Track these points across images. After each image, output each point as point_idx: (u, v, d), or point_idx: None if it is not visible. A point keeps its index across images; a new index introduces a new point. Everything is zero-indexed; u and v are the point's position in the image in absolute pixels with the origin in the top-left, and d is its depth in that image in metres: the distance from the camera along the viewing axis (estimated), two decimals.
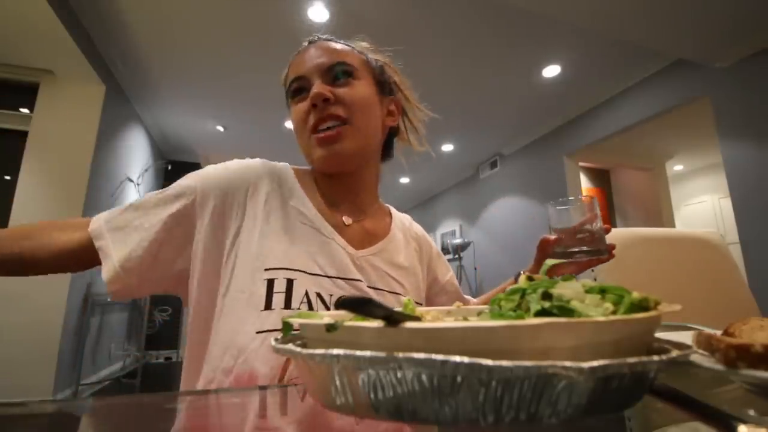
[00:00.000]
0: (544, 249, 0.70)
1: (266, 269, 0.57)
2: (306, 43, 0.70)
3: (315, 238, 0.63)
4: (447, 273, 0.84)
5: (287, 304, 0.55)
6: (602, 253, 0.63)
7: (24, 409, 0.33)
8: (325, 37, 0.70)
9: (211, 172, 0.63)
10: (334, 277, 0.61)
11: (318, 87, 0.62)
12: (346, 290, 0.61)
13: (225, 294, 0.57)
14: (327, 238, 0.64)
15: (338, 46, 0.68)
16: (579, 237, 0.63)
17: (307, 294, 0.57)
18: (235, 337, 0.54)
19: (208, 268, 0.59)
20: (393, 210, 0.82)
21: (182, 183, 0.62)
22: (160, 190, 0.61)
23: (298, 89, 0.66)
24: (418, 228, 0.83)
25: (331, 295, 0.59)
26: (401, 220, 0.81)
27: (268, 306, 0.55)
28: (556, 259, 0.62)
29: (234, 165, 0.65)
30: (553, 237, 0.66)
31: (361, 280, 0.63)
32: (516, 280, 0.76)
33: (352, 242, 0.66)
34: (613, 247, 0.65)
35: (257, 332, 0.53)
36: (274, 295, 0.55)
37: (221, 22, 2.78)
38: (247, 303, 0.55)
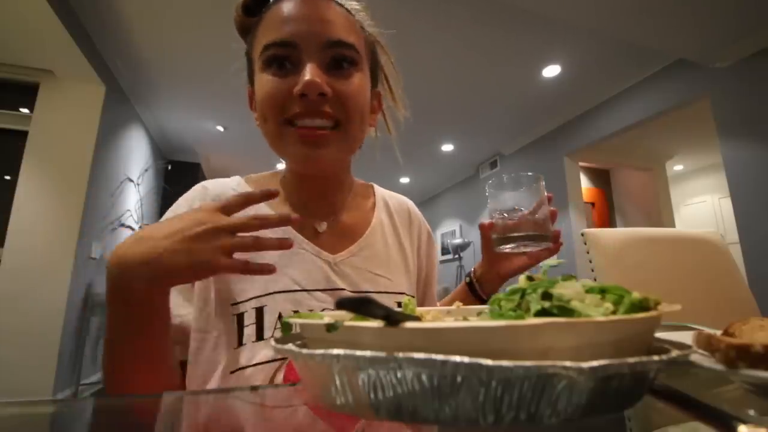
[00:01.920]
0: (484, 235, 0.62)
1: (233, 304, 0.53)
2: None
3: (285, 251, 0.56)
4: (432, 268, 0.76)
5: (259, 336, 0.51)
6: (545, 239, 0.54)
7: (24, 409, 0.33)
8: None
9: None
10: (312, 290, 0.56)
11: (314, 73, 0.49)
12: (326, 302, 0.56)
13: (196, 331, 0.54)
14: (297, 248, 0.58)
15: (340, 12, 0.55)
16: (516, 221, 0.53)
17: (281, 317, 0.52)
18: (207, 381, 0.51)
19: (188, 309, 0.56)
20: (376, 188, 0.74)
21: None
22: None
23: (278, 57, 0.51)
24: (408, 204, 0.76)
25: (310, 310, 0.54)
26: (385, 198, 0.73)
27: (240, 342, 0.51)
28: (498, 247, 0.55)
29: (182, 210, 0.58)
30: (487, 221, 0.57)
31: (342, 289, 0.58)
32: (468, 281, 0.71)
33: (327, 246, 0.60)
34: (558, 234, 0.57)
35: (231, 372, 0.50)
36: (245, 329, 0.52)
37: (221, 21, 2.77)
38: (216, 344, 0.52)
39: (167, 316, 0.46)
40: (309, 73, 0.49)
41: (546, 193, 0.55)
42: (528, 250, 0.55)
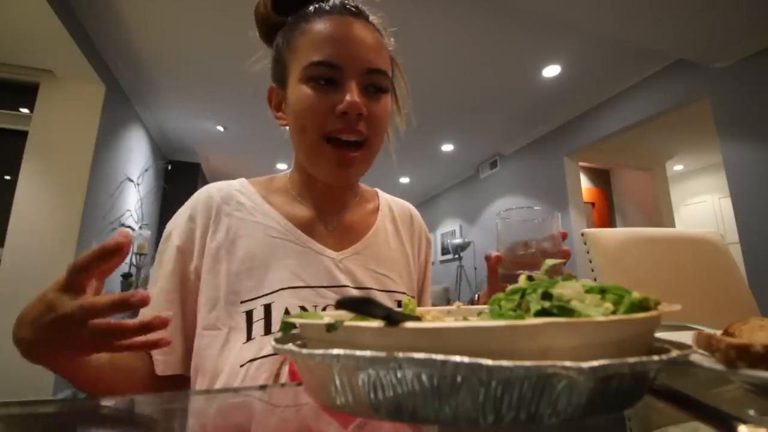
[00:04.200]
0: (490, 267, 0.58)
1: (242, 302, 0.56)
2: (337, 5, 0.59)
3: (290, 249, 0.60)
4: (427, 275, 0.78)
5: (267, 330, 0.54)
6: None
7: (24, 409, 0.33)
8: (364, 10, 0.61)
9: (175, 225, 0.61)
10: (317, 287, 0.58)
11: (357, 95, 0.55)
12: (331, 299, 0.58)
13: (205, 329, 0.56)
14: (303, 247, 0.61)
15: (375, 35, 0.60)
16: (525, 258, 0.50)
17: (287, 312, 0.55)
18: (217, 375, 0.53)
19: (190, 307, 0.59)
20: (380, 193, 0.78)
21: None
22: None
23: (323, 75, 0.56)
24: (410, 209, 0.79)
25: (315, 306, 0.57)
26: (389, 202, 0.77)
27: (249, 337, 0.54)
28: (505, 283, 0.49)
29: (184, 214, 0.62)
30: (494, 254, 0.54)
31: (347, 286, 0.60)
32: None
33: (331, 245, 0.63)
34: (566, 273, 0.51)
35: (241, 365, 0.52)
36: (254, 324, 0.54)
37: (221, 21, 2.77)
38: (227, 339, 0.54)
39: (90, 361, 0.45)
40: (352, 94, 0.55)
41: (561, 230, 0.52)
42: None
